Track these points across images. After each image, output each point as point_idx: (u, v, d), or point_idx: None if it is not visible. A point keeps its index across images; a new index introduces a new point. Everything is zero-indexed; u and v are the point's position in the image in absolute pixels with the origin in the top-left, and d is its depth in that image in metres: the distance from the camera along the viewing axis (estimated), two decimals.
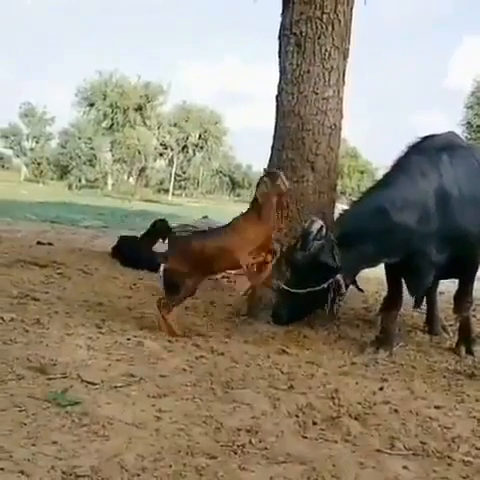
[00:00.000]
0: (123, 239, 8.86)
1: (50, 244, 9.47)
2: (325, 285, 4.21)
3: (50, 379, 3.22)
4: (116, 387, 3.20)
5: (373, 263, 4.52)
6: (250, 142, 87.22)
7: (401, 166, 4.41)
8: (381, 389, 3.59)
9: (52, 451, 2.39)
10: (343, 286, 4.28)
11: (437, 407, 3.36)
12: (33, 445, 2.42)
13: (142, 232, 8.84)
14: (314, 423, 2.99)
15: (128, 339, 4.19)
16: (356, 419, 3.07)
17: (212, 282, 7.36)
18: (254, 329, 4.92)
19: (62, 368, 3.39)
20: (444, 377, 4.03)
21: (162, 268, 4.68)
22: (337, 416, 3.08)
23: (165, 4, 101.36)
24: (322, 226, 4.20)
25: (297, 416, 3.06)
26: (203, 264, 4.43)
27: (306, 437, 2.82)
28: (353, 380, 3.75)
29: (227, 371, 3.69)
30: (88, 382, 3.21)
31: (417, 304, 4.66)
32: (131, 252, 8.08)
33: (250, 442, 2.68)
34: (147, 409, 2.95)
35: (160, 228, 8.51)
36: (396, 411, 3.22)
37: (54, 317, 4.64)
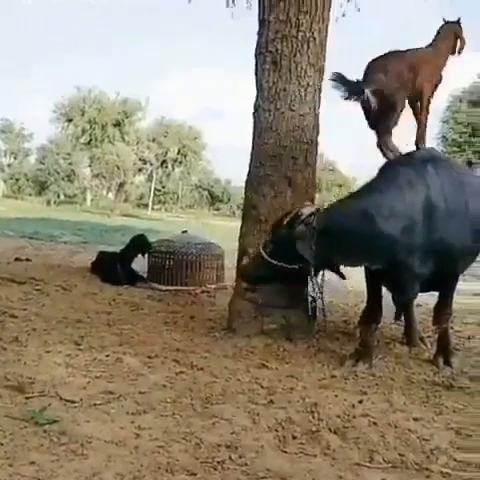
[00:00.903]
0: (102, 255, 8.83)
1: (28, 260, 9.41)
2: (296, 267, 4.31)
3: (28, 398, 3.19)
4: (95, 405, 3.18)
5: (352, 264, 4.55)
6: (229, 157, 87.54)
7: (388, 175, 4.41)
8: (360, 402, 3.59)
9: (30, 471, 2.37)
10: (312, 274, 4.40)
11: (416, 419, 3.36)
12: (10, 465, 2.40)
13: (121, 247, 8.83)
14: (294, 437, 2.99)
15: (107, 356, 4.17)
16: (335, 433, 3.08)
17: (192, 297, 7.39)
18: (234, 343, 4.91)
19: (40, 386, 3.37)
20: (422, 389, 4.04)
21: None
22: (316, 430, 3.08)
23: (141, 21, 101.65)
24: (312, 213, 4.25)
25: (277, 431, 3.06)
26: None
27: (286, 452, 2.82)
28: (333, 393, 3.75)
29: (207, 386, 3.69)
30: (67, 400, 3.20)
31: (397, 316, 4.69)
32: (110, 268, 8.06)
33: (230, 458, 2.67)
34: (126, 426, 2.94)
35: (139, 243, 8.51)
36: (375, 424, 3.22)
37: (32, 334, 4.61)
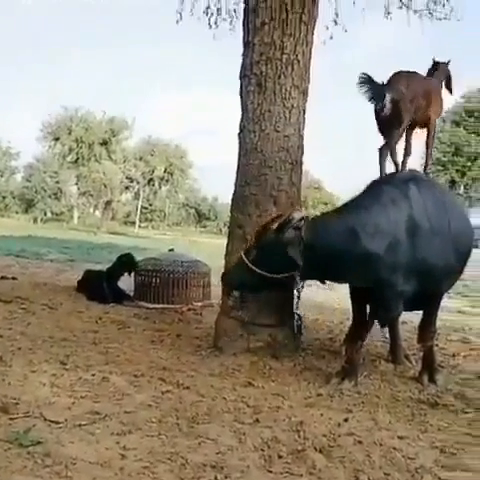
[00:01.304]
0: (88, 273, 8.80)
1: (14, 279, 9.36)
2: (279, 277, 4.28)
3: (12, 419, 3.17)
4: (80, 425, 3.16)
5: (335, 279, 4.61)
6: (216, 175, 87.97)
7: (372, 193, 4.44)
8: (346, 420, 3.60)
9: None
10: (298, 285, 4.35)
11: (401, 437, 3.38)
12: None
13: (108, 265, 8.81)
14: (279, 457, 2.99)
15: (93, 375, 4.16)
16: (321, 452, 3.08)
17: (178, 315, 7.37)
18: (220, 361, 4.91)
19: (25, 407, 3.34)
20: (408, 406, 4.06)
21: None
22: (302, 449, 3.09)
23: (125, 38, 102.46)
24: (303, 218, 4.24)
25: (262, 450, 3.06)
26: None
27: (271, 471, 2.82)
28: (318, 412, 3.76)
29: (193, 406, 3.68)
30: (51, 421, 3.17)
31: (382, 326, 4.70)
32: (97, 286, 8.03)
33: (215, 478, 2.67)
34: (111, 447, 2.92)
35: (126, 262, 8.50)
36: (360, 442, 3.24)
37: (17, 354, 4.58)
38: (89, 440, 2.99)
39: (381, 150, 4.93)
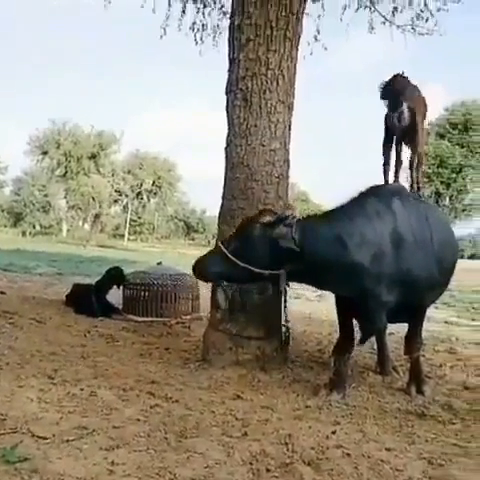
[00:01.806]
0: (77, 287, 8.79)
1: (2, 293, 9.31)
2: (266, 272, 4.23)
3: None
4: (68, 441, 3.14)
5: (318, 284, 4.60)
6: (204, 188, 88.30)
7: (358, 205, 4.44)
8: (334, 432, 3.60)
9: None
10: (283, 284, 4.29)
11: (388, 449, 3.39)
12: None
13: (97, 278, 8.80)
14: (268, 470, 2.98)
15: (81, 389, 4.14)
16: (309, 465, 3.08)
17: (167, 328, 7.37)
18: (209, 374, 4.91)
19: (12, 423, 3.32)
20: (395, 418, 4.08)
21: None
22: (290, 462, 3.08)
23: (114, 53, 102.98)
24: (294, 217, 4.22)
25: (251, 464, 3.05)
26: None
27: None
28: (307, 424, 3.76)
29: (181, 419, 3.67)
30: (39, 437, 3.15)
31: (362, 341, 4.70)
32: (85, 299, 8.02)
33: None
34: (99, 462, 2.91)
35: (114, 275, 8.49)
36: (349, 455, 3.24)
37: (5, 369, 4.56)
38: (77, 456, 2.97)
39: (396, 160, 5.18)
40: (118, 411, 3.75)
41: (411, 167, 5.27)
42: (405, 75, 4.96)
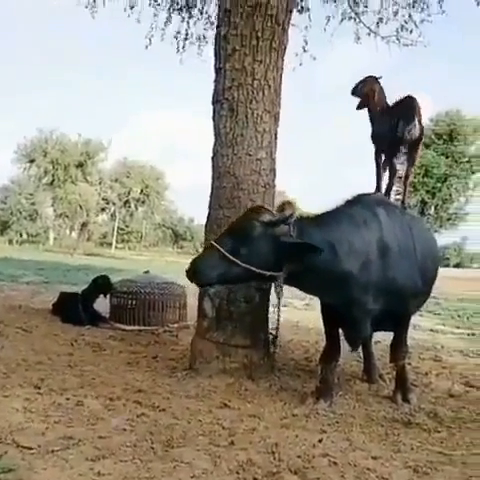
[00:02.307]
0: (63, 295, 8.75)
1: None
2: (265, 273, 4.07)
3: None
4: (53, 451, 3.13)
5: (306, 288, 4.52)
6: (192, 196, 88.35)
7: (345, 214, 4.44)
8: (320, 441, 3.62)
9: None
10: (281, 286, 4.21)
11: (374, 458, 3.41)
12: None
13: (84, 287, 8.77)
14: (255, 479, 3.00)
15: (67, 399, 4.13)
16: (296, 473, 3.09)
17: (154, 336, 7.36)
18: (196, 383, 4.90)
19: None
20: (382, 426, 4.10)
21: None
22: (277, 471, 3.09)
23: (99, 61, 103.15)
24: (292, 215, 4.08)
25: (238, 473, 3.05)
26: None
27: None
28: (293, 433, 3.77)
29: (168, 429, 3.66)
30: (24, 447, 3.14)
31: (353, 348, 4.72)
32: (72, 308, 7.98)
33: None
34: (85, 473, 2.90)
35: (101, 284, 8.47)
36: (335, 463, 3.25)
37: None
38: (62, 466, 2.96)
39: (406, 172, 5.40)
40: (104, 421, 3.75)
41: (406, 179, 5.40)
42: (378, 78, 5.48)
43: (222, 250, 4.01)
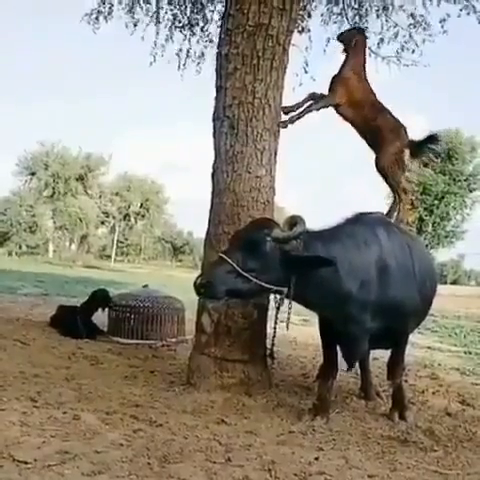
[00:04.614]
0: (62, 308, 8.75)
1: None
2: (273, 288, 4.06)
3: None
4: (49, 465, 3.12)
5: (307, 303, 4.43)
6: (191, 210, 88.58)
7: (346, 233, 4.44)
8: (317, 459, 3.61)
9: None
10: (281, 301, 4.18)
11: (371, 476, 3.40)
12: None
13: (82, 300, 8.77)
14: None
15: (64, 413, 4.11)
16: None
17: (152, 351, 7.35)
18: (193, 398, 4.89)
19: None
20: (378, 444, 4.09)
21: None
22: None
23: (99, 76, 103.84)
24: (302, 232, 4.05)
25: None
26: None
27: None
28: (290, 450, 3.76)
29: (165, 444, 3.65)
30: (20, 461, 3.13)
31: (349, 367, 4.72)
32: (70, 321, 7.98)
33: None
34: None
35: (100, 297, 8.47)
36: None
37: None
38: None
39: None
40: (101, 435, 3.73)
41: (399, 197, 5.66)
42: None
43: (234, 265, 3.93)
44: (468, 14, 6.21)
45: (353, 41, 5.81)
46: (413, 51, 6.90)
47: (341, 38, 6.01)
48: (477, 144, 41.61)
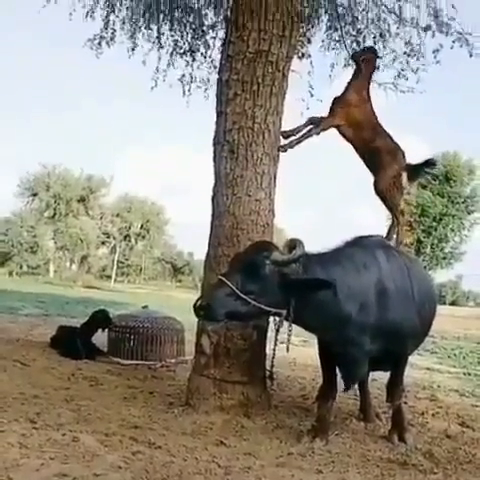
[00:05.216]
0: (62, 329, 8.76)
1: None
2: (272, 310, 4.09)
3: None
4: None
5: (306, 325, 4.45)
6: (191, 232, 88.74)
7: (345, 256, 4.48)
8: None
9: None
10: (281, 322, 4.19)
11: None
12: None
13: (82, 321, 8.79)
14: None
15: (63, 434, 4.10)
16: None
17: (152, 371, 7.34)
18: (193, 420, 4.88)
19: None
20: (377, 466, 4.08)
21: None
22: None
23: (97, 95, 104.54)
24: (301, 255, 4.10)
25: None
26: None
27: None
28: (289, 472, 3.75)
29: (164, 467, 3.64)
30: None
31: (347, 388, 4.71)
32: (70, 342, 7.99)
33: None
34: None
35: (100, 318, 8.49)
36: None
37: None
38: None
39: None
40: (100, 457, 3.72)
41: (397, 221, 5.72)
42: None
43: (233, 287, 3.95)
44: (461, 46, 6.33)
45: (362, 59, 5.93)
46: (407, 78, 7.01)
47: (353, 57, 6.21)
48: (475, 167, 41.92)
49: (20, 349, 7.95)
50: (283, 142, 5.63)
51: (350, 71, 6.58)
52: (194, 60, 8.00)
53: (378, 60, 6.53)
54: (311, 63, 7.64)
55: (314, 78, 7.56)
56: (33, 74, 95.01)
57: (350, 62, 7.02)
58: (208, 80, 8.05)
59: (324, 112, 5.89)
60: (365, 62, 5.92)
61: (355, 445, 4.57)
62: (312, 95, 7.49)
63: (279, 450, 4.30)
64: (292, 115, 5.78)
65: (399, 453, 4.42)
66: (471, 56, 6.28)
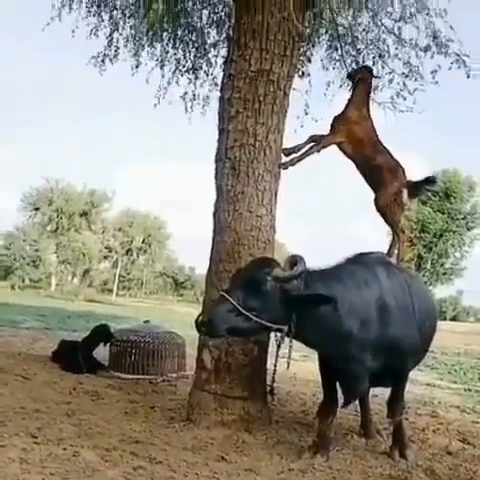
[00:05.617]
0: (63, 343, 8.78)
1: None
2: (273, 326, 4.11)
3: None
4: None
5: (307, 341, 4.45)
6: (192, 247, 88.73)
7: (346, 273, 4.50)
8: None
9: None
10: (282, 338, 4.19)
11: None
12: None
13: (84, 335, 8.81)
14: None
15: (64, 449, 4.10)
16: None
17: (153, 386, 7.34)
18: (193, 435, 4.88)
19: None
20: None
21: None
22: None
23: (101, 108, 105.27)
24: (302, 271, 4.12)
25: None
26: None
27: None
28: None
29: None
30: None
31: (345, 405, 4.71)
32: (71, 356, 8.01)
33: None
34: None
35: (101, 333, 8.52)
36: None
37: None
38: None
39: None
40: (101, 473, 3.71)
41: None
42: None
43: (235, 303, 3.97)
44: (459, 68, 6.41)
45: (357, 78, 6.04)
46: (405, 98, 7.06)
47: (349, 76, 6.31)
48: (475, 183, 42.21)
49: (21, 363, 7.96)
50: (284, 159, 5.70)
51: (346, 90, 6.68)
52: (197, 78, 8.11)
53: (377, 80, 6.60)
54: (310, 82, 7.72)
55: (311, 96, 7.63)
56: (36, 89, 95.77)
57: (346, 81, 7.11)
58: (207, 97, 8.16)
59: (320, 130, 5.98)
60: (361, 81, 6.02)
61: (356, 461, 4.56)
62: (306, 113, 7.56)
63: (280, 466, 4.29)
64: (287, 132, 5.82)
65: (400, 469, 4.41)
66: (468, 77, 6.36)
